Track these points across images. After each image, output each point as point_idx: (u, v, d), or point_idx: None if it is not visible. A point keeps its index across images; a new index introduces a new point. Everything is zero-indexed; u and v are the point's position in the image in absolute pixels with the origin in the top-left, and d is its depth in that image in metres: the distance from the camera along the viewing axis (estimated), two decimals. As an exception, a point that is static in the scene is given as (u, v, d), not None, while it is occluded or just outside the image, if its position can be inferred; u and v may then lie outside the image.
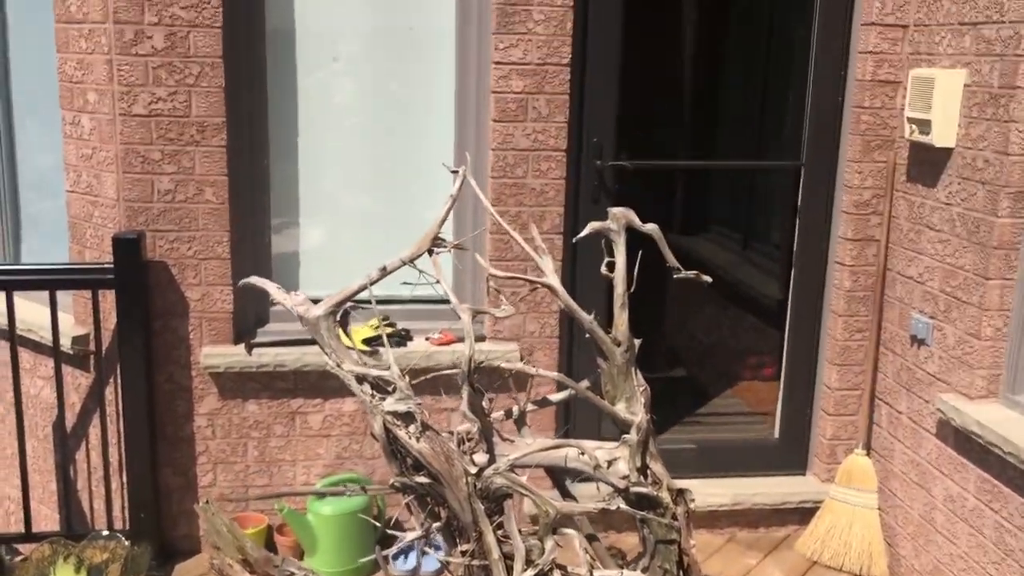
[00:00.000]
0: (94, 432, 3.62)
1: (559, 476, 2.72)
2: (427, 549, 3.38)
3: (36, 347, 3.71)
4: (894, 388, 3.58)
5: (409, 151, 3.63)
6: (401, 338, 3.59)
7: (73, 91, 3.43)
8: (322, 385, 3.56)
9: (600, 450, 2.48)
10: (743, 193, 5.68)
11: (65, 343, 3.47)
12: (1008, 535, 2.96)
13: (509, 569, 2.28)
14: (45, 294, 3.37)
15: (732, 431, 4.26)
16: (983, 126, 3.06)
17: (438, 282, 2.36)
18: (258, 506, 3.64)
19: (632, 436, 2.48)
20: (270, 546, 3.59)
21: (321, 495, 3.46)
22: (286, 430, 3.59)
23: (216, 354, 3.45)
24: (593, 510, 2.41)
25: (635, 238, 2.64)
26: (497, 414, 2.56)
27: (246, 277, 2.56)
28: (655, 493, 2.49)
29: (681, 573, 2.53)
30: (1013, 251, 3.02)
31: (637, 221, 2.62)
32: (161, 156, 3.32)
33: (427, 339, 3.61)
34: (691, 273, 2.62)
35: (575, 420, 3.80)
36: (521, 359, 3.59)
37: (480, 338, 3.61)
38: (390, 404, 2.26)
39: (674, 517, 2.50)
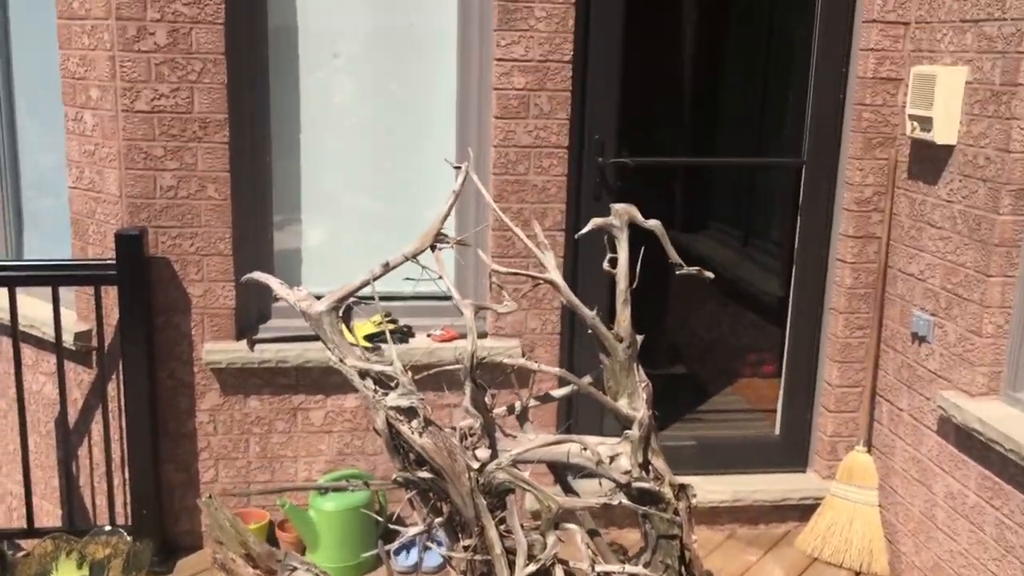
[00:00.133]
0: (96, 428, 3.62)
1: (561, 472, 2.72)
2: (429, 544, 3.39)
3: (38, 343, 3.71)
4: (895, 385, 3.59)
5: (410, 149, 3.63)
6: (403, 334, 3.59)
7: (76, 87, 3.43)
8: (324, 381, 3.57)
9: (602, 446, 2.49)
10: (744, 191, 5.69)
11: (67, 339, 3.47)
12: (1009, 532, 2.96)
13: (511, 564, 2.29)
14: (47, 290, 3.39)
15: (733, 428, 4.27)
16: (984, 123, 3.07)
17: (440, 278, 2.37)
18: (260, 502, 3.64)
19: (634, 432, 2.49)
20: (272, 542, 3.59)
21: (323, 491, 3.46)
22: (288, 426, 3.59)
23: (218, 350, 3.46)
24: (595, 505, 2.42)
25: (636, 235, 2.65)
26: (499, 410, 2.56)
27: (248, 273, 2.56)
28: (657, 488, 2.49)
29: (683, 568, 2.54)
30: (1014, 248, 3.03)
31: (640, 217, 2.62)
32: (163, 152, 3.33)
33: (429, 335, 3.61)
34: (693, 269, 2.63)
35: (577, 416, 3.81)
36: (523, 355, 3.60)
37: (482, 334, 3.62)
38: (393, 399, 2.26)
39: (676, 512, 2.51)
